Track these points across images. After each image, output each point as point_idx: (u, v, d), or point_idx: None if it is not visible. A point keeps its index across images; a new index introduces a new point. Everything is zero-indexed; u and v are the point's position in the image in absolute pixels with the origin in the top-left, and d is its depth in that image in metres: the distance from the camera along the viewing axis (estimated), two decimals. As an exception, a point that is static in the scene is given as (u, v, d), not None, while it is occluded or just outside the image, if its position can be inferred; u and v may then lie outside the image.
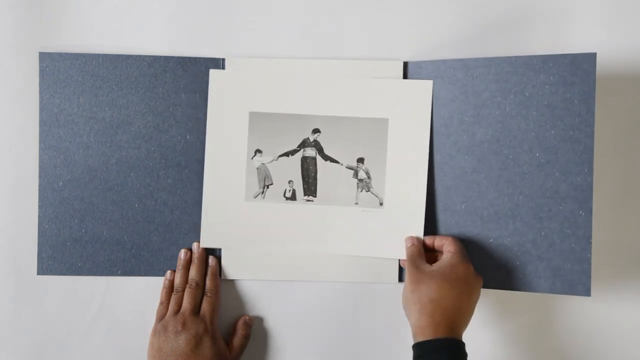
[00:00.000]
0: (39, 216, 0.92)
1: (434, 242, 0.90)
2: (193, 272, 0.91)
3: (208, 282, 0.92)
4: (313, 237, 0.92)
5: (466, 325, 0.82)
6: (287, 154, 0.92)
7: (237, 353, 0.92)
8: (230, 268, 0.93)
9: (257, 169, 0.92)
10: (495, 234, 0.89)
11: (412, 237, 0.90)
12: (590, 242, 0.87)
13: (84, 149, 0.92)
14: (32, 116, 0.93)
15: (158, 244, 0.93)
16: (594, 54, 0.86)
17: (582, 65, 0.86)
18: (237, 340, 0.92)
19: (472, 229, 0.90)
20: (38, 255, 0.93)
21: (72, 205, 0.93)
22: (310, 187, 0.92)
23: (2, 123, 0.94)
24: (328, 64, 0.92)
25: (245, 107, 0.92)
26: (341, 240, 0.92)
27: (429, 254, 0.89)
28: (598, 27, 0.92)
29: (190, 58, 0.93)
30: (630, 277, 0.93)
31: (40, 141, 0.92)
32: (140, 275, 0.93)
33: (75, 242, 0.93)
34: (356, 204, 0.92)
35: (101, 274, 0.93)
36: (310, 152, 0.92)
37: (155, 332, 0.89)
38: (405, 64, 0.92)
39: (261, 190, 0.92)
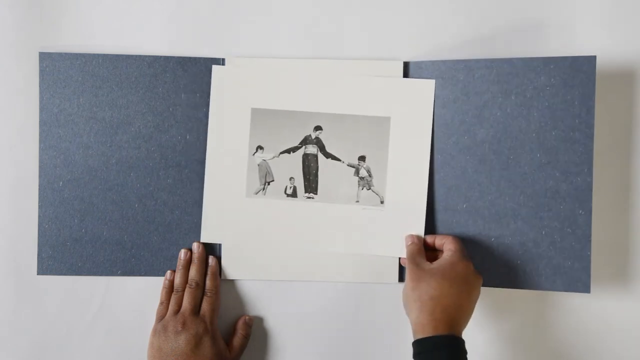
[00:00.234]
0: (39, 216, 0.92)
1: (434, 241, 0.90)
2: (193, 272, 0.91)
3: (208, 282, 0.92)
4: (313, 234, 0.92)
5: (466, 323, 0.82)
6: (288, 151, 0.92)
7: (237, 353, 0.92)
8: (230, 268, 0.93)
9: (259, 165, 0.92)
10: (497, 233, 0.90)
11: (412, 235, 0.91)
12: (590, 241, 0.88)
13: (84, 149, 0.92)
14: (32, 116, 0.93)
15: (158, 244, 0.93)
16: (594, 57, 0.87)
17: (582, 67, 0.87)
18: (237, 340, 0.92)
19: (474, 229, 0.90)
20: (38, 255, 0.93)
21: (72, 205, 0.92)
22: (311, 184, 0.92)
23: (2, 123, 0.94)
24: (328, 63, 0.92)
25: (247, 103, 0.92)
26: (341, 238, 0.92)
27: (429, 252, 0.90)
28: (598, 28, 0.93)
29: (190, 58, 0.93)
30: (629, 277, 0.93)
31: (40, 141, 0.92)
32: (140, 275, 0.93)
33: (75, 242, 0.93)
34: (357, 201, 0.92)
35: (101, 274, 0.93)
36: (312, 149, 0.92)
37: (155, 332, 0.89)
38: (406, 64, 0.92)
39: (262, 186, 0.92)
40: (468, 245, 0.90)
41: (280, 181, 0.93)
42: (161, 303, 0.92)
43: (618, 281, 0.93)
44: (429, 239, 0.91)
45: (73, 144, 0.92)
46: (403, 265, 0.92)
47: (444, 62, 0.91)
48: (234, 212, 0.92)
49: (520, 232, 0.89)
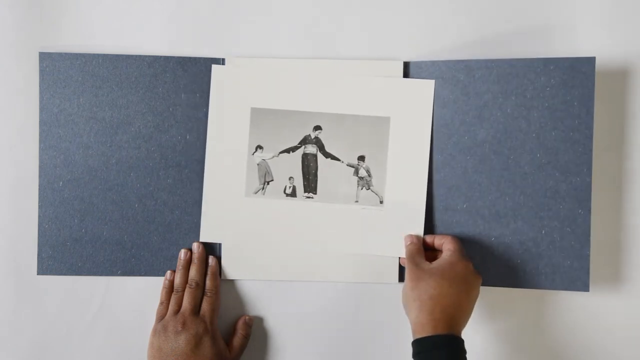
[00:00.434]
0: (39, 216, 0.92)
1: (433, 240, 0.90)
2: (193, 272, 0.91)
3: (208, 282, 0.92)
4: (312, 234, 0.92)
5: (465, 323, 0.82)
6: (288, 151, 0.92)
7: (237, 353, 0.92)
8: (230, 268, 0.93)
9: (258, 165, 0.92)
10: (497, 233, 0.90)
11: (411, 235, 0.91)
12: (589, 240, 0.89)
13: (84, 149, 0.92)
14: (32, 116, 0.93)
15: (158, 244, 0.93)
16: (593, 58, 0.88)
17: (582, 68, 0.88)
18: (237, 340, 0.92)
19: (474, 228, 0.91)
20: (38, 255, 0.93)
21: (72, 205, 0.92)
22: (310, 184, 0.92)
23: (2, 123, 0.94)
24: (328, 63, 0.92)
25: (247, 103, 0.92)
26: (341, 237, 0.92)
27: (428, 252, 0.90)
28: (598, 29, 0.93)
29: (190, 58, 0.93)
30: (628, 276, 0.93)
31: (40, 141, 0.92)
32: (140, 275, 0.93)
33: (75, 242, 0.93)
34: (356, 201, 0.92)
35: (101, 274, 0.93)
36: (311, 149, 0.92)
37: (155, 332, 0.89)
38: (406, 64, 0.92)
39: (261, 186, 0.93)
40: (468, 245, 0.90)
41: (280, 181, 0.93)
42: (161, 303, 0.92)
43: (617, 280, 0.93)
44: (428, 238, 0.91)
45: (73, 144, 0.92)
46: (403, 265, 0.92)
47: (444, 62, 0.91)
48: (233, 212, 0.92)
49: (520, 232, 0.90)
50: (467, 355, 0.81)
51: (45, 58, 0.92)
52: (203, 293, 0.91)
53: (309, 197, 0.93)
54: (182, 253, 0.92)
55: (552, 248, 0.89)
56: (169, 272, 0.93)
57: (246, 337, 0.93)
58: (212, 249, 0.93)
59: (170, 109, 0.92)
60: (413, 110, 0.91)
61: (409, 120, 0.91)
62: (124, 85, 0.92)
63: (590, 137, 0.88)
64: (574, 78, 0.88)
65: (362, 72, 0.92)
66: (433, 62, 0.91)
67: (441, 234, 0.91)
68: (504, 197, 0.90)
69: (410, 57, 0.93)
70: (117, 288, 0.94)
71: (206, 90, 0.92)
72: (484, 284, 0.86)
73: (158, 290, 0.93)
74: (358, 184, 0.92)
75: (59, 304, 0.94)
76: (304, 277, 0.93)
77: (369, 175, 0.92)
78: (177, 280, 0.92)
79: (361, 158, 0.92)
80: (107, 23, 0.94)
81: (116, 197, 0.93)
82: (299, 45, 0.94)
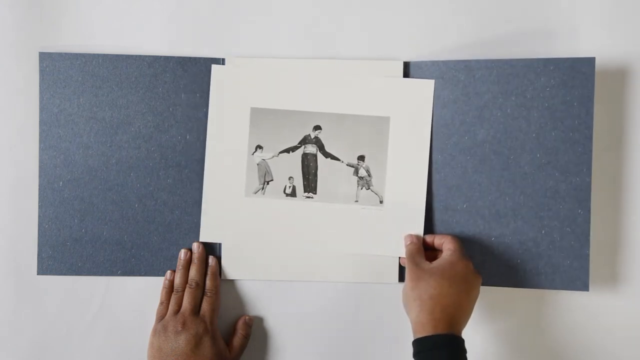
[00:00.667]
0: (39, 216, 0.92)
1: (433, 240, 0.90)
2: (193, 272, 0.91)
3: (208, 282, 0.92)
4: (312, 234, 0.92)
5: (466, 322, 0.82)
6: (287, 151, 0.93)
7: (237, 353, 0.92)
8: (230, 268, 0.93)
9: (258, 164, 0.92)
10: (497, 233, 0.90)
11: (411, 235, 0.91)
12: (589, 240, 0.89)
13: (84, 149, 0.92)
14: (32, 116, 0.93)
15: (158, 244, 0.93)
16: (593, 59, 0.88)
17: (582, 69, 0.88)
18: (237, 340, 0.92)
19: (474, 228, 0.91)
20: (38, 255, 0.92)
21: (72, 205, 0.92)
22: (310, 183, 0.92)
23: (2, 123, 0.94)
24: (328, 63, 0.92)
25: (246, 103, 0.92)
26: (341, 237, 0.92)
27: (428, 252, 0.90)
28: (598, 29, 0.93)
29: (190, 58, 0.93)
30: (627, 276, 0.93)
31: (40, 141, 0.92)
32: (140, 275, 0.93)
33: (75, 242, 0.93)
34: (356, 201, 0.92)
35: (101, 274, 0.93)
36: (311, 149, 0.92)
37: (155, 332, 0.89)
38: (406, 64, 0.92)
39: (261, 186, 0.93)
40: (468, 245, 0.90)
41: (280, 181, 0.93)
42: (161, 303, 0.92)
43: (616, 280, 0.94)
44: (428, 238, 0.91)
45: (73, 144, 0.92)
46: (403, 265, 0.92)
47: (444, 62, 0.91)
48: (233, 212, 0.92)
49: (520, 232, 0.90)
50: (467, 355, 0.81)
51: (45, 58, 0.92)
52: (203, 293, 0.91)
53: (308, 197, 0.93)
54: (182, 253, 0.92)
55: (552, 248, 0.89)
56: (169, 272, 0.93)
57: (246, 337, 0.93)
58: (212, 249, 0.94)
59: (170, 109, 0.93)
60: (413, 110, 0.91)
61: (409, 120, 0.91)
62: (124, 85, 0.92)
63: (590, 137, 0.88)
64: (574, 78, 0.88)
65: (362, 72, 0.92)
66: (433, 62, 0.91)
67: (441, 233, 0.91)
68: (504, 197, 0.90)
69: (410, 57, 0.93)
70: (117, 288, 0.94)
71: (206, 90, 0.92)
72: (484, 284, 0.87)
73: (158, 290, 0.93)
74: (358, 184, 0.92)
75: (59, 304, 0.94)
76: (304, 277, 0.93)
77: (369, 175, 0.92)
78: (177, 280, 0.92)
79: (361, 158, 0.92)
80: (107, 23, 0.94)
81: (116, 197, 0.93)
82: (299, 45, 0.94)
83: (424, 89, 0.91)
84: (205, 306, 0.90)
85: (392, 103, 0.91)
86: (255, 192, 0.93)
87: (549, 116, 0.89)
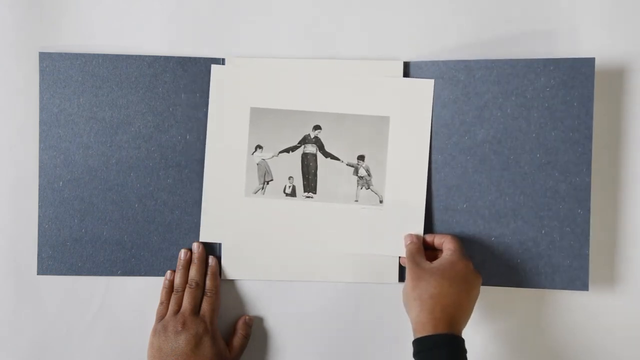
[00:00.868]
0: (39, 216, 0.92)
1: (433, 240, 0.90)
2: (193, 272, 0.91)
3: (208, 282, 0.92)
4: (312, 233, 0.92)
5: (466, 322, 0.82)
6: (287, 150, 0.93)
7: (237, 353, 0.92)
8: (230, 268, 0.93)
9: (258, 164, 0.93)
10: (497, 233, 0.90)
11: (411, 235, 0.91)
12: (589, 240, 0.89)
13: (84, 149, 0.92)
14: (32, 116, 0.93)
15: (158, 244, 0.93)
16: (593, 59, 0.88)
17: (582, 69, 0.88)
18: (237, 340, 0.92)
19: (474, 228, 0.91)
20: (38, 255, 0.92)
21: (72, 205, 0.92)
22: (310, 183, 0.93)
23: (2, 123, 0.94)
24: (328, 63, 0.92)
25: (246, 102, 0.92)
26: (340, 237, 0.92)
27: (428, 252, 0.90)
28: (598, 29, 0.93)
29: (190, 58, 0.93)
30: (627, 275, 0.94)
31: (40, 141, 0.92)
32: (140, 275, 0.93)
33: (75, 242, 0.93)
34: (356, 201, 0.92)
35: (101, 274, 0.93)
36: (311, 148, 0.92)
37: (155, 332, 0.89)
38: (407, 64, 0.92)
39: (261, 186, 0.93)
40: (468, 245, 0.90)
41: (280, 180, 0.93)
42: (161, 303, 0.92)
43: (616, 280, 0.94)
44: (428, 237, 0.91)
45: (73, 144, 0.92)
46: (403, 264, 0.92)
47: (444, 62, 0.91)
48: (233, 212, 0.92)
49: (519, 232, 0.90)
50: (467, 355, 0.81)
51: (45, 58, 0.92)
52: (203, 293, 0.91)
53: (308, 197, 0.93)
54: (182, 253, 0.92)
55: (551, 248, 0.90)
56: (169, 272, 0.93)
57: (246, 337, 0.93)
58: (212, 249, 0.94)
59: (170, 109, 0.93)
60: (413, 109, 0.91)
61: (409, 120, 0.91)
62: (124, 85, 0.92)
63: (589, 138, 0.88)
64: (574, 78, 0.88)
65: (362, 72, 0.92)
66: (433, 62, 0.91)
67: (441, 233, 0.91)
68: (504, 197, 0.90)
69: (410, 57, 0.93)
70: (117, 288, 0.94)
71: (206, 90, 0.92)
72: (484, 284, 0.87)
73: (158, 290, 0.93)
74: (358, 184, 0.92)
75: (59, 304, 0.94)
76: (304, 277, 0.94)
77: (369, 175, 0.92)
78: (177, 280, 0.92)
79: (361, 157, 0.92)
80: (107, 23, 0.94)
81: (116, 197, 0.93)
82: (299, 45, 0.94)
83: (424, 88, 0.91)
84: (205, 306, 0.90)
85: (391, 103, 0.91)
86: (255, 192, 0.93)
87: (549, 116, 0.89)
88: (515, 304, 0.94)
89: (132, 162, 0.93)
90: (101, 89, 0.92)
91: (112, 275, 0.93)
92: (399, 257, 0.92)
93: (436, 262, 0.85)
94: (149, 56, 0.92)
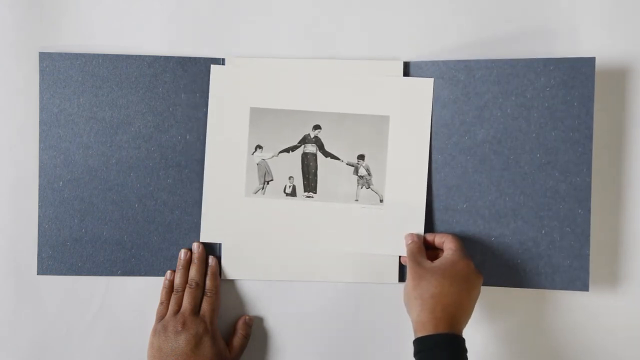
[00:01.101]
0: (39, 216, 0.92)
1: (434, 239, 0.90)
2: (193, 272, 0.91)
3: (208, 282, 0.92)
4: (313, 233, 0.92)
5: (466, 322, 0.82)
6: (287, 150, 0.93)
7: (237, 353, 0.92)
8: (230, 268, 0.93)
9: (258, 164, 0.93)
10: (497, 233, 0.90)
11: (412, 234, 0.91)
12: (589, 240, 0.89)
13: (84, 149, 0.92)
14: (32, 116, 0.93)
15: (158, 244, 0.93)
16: (593, 59, 0.88)
17: (582, 68, 0.88)
18: (237, 340, 0.92)
19: (474, 228, 0.91)
20: (38, 255, 0.92)
21: (72, 205, 0.92)
22: (310, 183, 0.92)
23: (2, 123, 0.94)
24: (328, 63, 0.92)
25: (246, 102, 0.92)
26: (341, 236, 0.92)
27: (429, 251, 0.90)
28: (598, 29, 0.93)
29: (190, 58, 0.93)
30: (627, 276, 0.93)
31: (40, 141, 0.92)
32: (140, 275, 0.93)
33: (75, 242, 0.93)
34: (356, 200, 0.92)
35: (101, 274, 0.93)
36: (311, 148, 0.92)
37: (155, 332, 0.89)
38: (406, 64, 0.92)
39: (261, 186, 0.93)
40: (468, 245, 0.90)
41: (280, 180, 0.93)
42: (161, 303, 0.92)
43: (616, 280, 0.93)
44: (429, 237, 0.91)
45: (73, 144, 0.92)
46: (404, 263, 0.92)
47: (444, 62, 0.91)
48: (233, 212, 0.92)
49: (520, 232, 0.90)
50: (468, 355, 0.81)
51: (45, 58, 0.92)
52: (203, 293, 0.91)
53: (309, 197, 0.93)
54: (182, 253, 0.92)
55: (552, 248, 0.89)
56: (169, 272, 0.93)
57: (246, 337, 0.93)
58: (212, 249, 0.94)
59: (170, 109, 0.93)
60: (412, 108, 0.91)
61: (409, 119, 0.91)
62: (124, 85, 0.92)
63: (590, 137, 0.88)
64: (574, 78, 0.88)
65: (362, 72, 0.92)
66: (433, 62, 0.91)
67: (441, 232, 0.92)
68: (504, 197, 0.90)
69: (410, 57, 0.93)
70: (117, 288, 0.94)
71: (206, 90, 0.92)
72: (483, 284, 0.86)
73: (158, 290, 0.93)
74: (358, 183, 0.92)
75: (59, 304, 0.94)
76: (304, 277, 0.93)
77: (369, 174, 0.92)
78: (177, 280, 0.92)
79: (361, 157, 0.92)
80: (107, 23, 0.94)
81: (116, 197, 0.93)
82: (299, 45, 0.94)
83: (424, 87, 0.91)
84: (205, 306, 0.90)
85: (391, 102, 0.91)
86: (256, 192, 0.93)
87: (549, 116, 0.89)
88: (516, 303, 0.94)
89: (132, 162, 0.93)
90: (101, 89, 0.92)
91: (112, 275, 0.93)
92: (400, 257, 0.92)
93: (437, 262, 0.85)
94: (149, 56, 0.92)
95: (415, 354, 0.80)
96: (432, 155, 0.91)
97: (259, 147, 0.92)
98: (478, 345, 0.93)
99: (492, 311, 0.94)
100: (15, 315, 0.94)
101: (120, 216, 0.93)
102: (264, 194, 0.93)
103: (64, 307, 0.94)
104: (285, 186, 0.93)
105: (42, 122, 0.92)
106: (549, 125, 0.89)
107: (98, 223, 0.93)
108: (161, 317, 0.91)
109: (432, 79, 0.91)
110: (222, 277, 0.93)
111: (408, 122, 0.91)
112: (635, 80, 0.93)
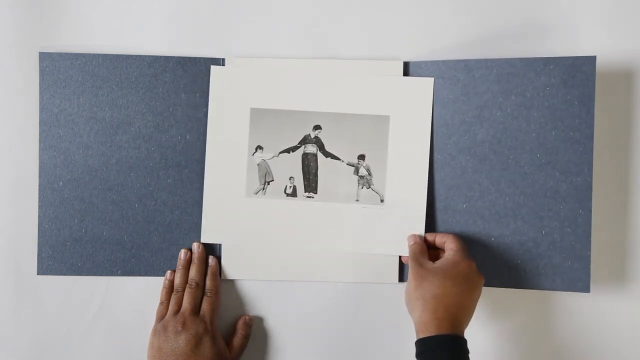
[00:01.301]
0: (39, 216, 0.92)
1: (435, 239, 0.90)
2: (193, 272, 0.91)
3: (208, 282, 0.92)
4: (313, 233, 0.92)
5: (468, 322, 0.82)
6: (288, 151, 0.93)
7: (237, 353, 0.92)
8: (230, 268, 0.93)
9: (258, 165, 0.92)
10: (497, 233, 0.90)
11: (414, 235, 0.91)
12: (590, 240, 0.88)
13: (84, 149, 0.92)
14: (32, 116, 0.93)
15: (158, 244, 0.93)
16: (594, 57, 0.87)
17: (582, 67, 0.88)
18: (237, 340, 0.92)
19: (474, 228, 0.90)
20: (38, 255, 0.93)
21: (72, 205, 0.92)
22: (311, 183, 0.92)
23: (2, 123, 0.94)
24: (328, 63, 0.92)
25: (246, 103, 0.92)
26: (341, 237, 0.92)
27: (430, 251, 0.90)
28: (598, 28, 0.93)
29: (190, 58, 0.93)
30: (628, 276, 0.93)
31: (40, 141, 0.92)
32: (140, 275, 0.93)
33: (75, 242, 0.93)
34: (357, 200, 0.92)
35: (101, 274, 0.93)
36: (311, 148, 0.92)
37: (155, 332, 0.89)
38: (407, 64, 0.92)
39: (262, 186, 0.93)
40: (468, 245, 0.89)
41: (280, 181, 0.93)
42: (161, 303, 0.92)
43: (617, 281, 0.93)
44: (430, 237, 0.91)
45: (73, 144, 0.92)
46: (405, 262, 0.92)
47: (444, 62, 0.91)
48: (234, 212, 0.92)
49: (520, 232, 0.90)
50: (470, 355, 0.80)
51: (45, 58, 0.92)
52: (203, 293, 0.91)
53: (309, 197, 0.93)
54: (182, 253, 0.92)
55: (552, 248, 0.89)
56: (169, 272, 0.93)
57: (246, 337, 0.93)
58: (212, 249, 0.93)
59: (170, 109, 0.93)
60: (412, 108, 0.91)
61: (409, 118, 0.91)
62: (124, 85, 0.92)
63: (590, 137, 0.88)
64: (575, 77, 0.88)
65: (362, 72, 0.92)
66: (433, 62, 0.91)
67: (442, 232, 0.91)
68: (504, 197, 0.90)
69: (410, 57, 0.93)
70: (117, 288, 0.94)
71: (206, 90, 0.92)
72: (484, 285, 0.86)
73: (158, 290, 0.93)
74: (358, 183, 0.92)
75: (59, 304, 0.94)
76: (304, 277, 0.93)
77: (369, 174, 0.92)
78: (177, 280, 0.92)
79: (361, 157, 0.92)
80: (107, 23, 0.94)
81: (116, 197, 0.93)
82: (299, 45, 0.94)
83: (424, 87, 0.91)
84: (205, 306, 0.90)
85: (391, 102, 0.91)
86: (256, 193, 0.93)
87: (549, 116, 0.89)
88: (517, 304, 0.94)
89: (132, 162, 0.93)
90: (101, 89, 0.92)
91: (112, 275, 0.93)
92: (400, 256, 0.92)
93: (439, 262, 0.85)
94: (149, 56, 0.92)
95: (418, 355, 0.80)
96: (432, 155, 0.91)
97: (259, 147, 0.92)
98: (480, 346, 0.93)
99: (494, 311, 0.94)
100: (15, 315, 0.94)
101: (120, 216, 0.93)
102: (264, 194, 0.93)
103: (64, 307, 0.94)
104: (286, 186, 0.93)
105: (42, 122, 0.92)
106: (549, 124, 0.89)
107: (98, 223, 0.93)
108: (161, 317, 0.91)
109: (432, 79, 0.91)
110: (222, 277, 0.93)
111: (408, 122, 0.91)
112: (635, 80, 0.93)
